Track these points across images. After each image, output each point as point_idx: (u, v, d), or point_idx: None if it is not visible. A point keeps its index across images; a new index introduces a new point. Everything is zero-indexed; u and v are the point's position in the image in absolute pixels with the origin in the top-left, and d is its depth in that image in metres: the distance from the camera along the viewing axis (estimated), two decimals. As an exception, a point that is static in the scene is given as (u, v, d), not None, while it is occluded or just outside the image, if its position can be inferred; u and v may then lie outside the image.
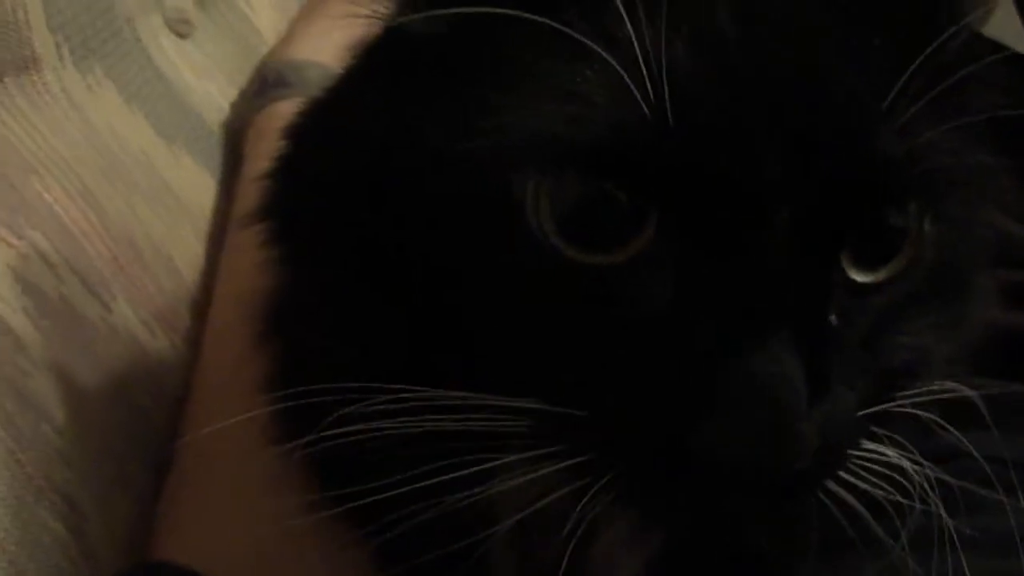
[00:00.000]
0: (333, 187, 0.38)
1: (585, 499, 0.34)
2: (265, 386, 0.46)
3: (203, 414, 0.55)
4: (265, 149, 0.69)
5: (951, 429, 0.39)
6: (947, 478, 0.38)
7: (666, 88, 0.31)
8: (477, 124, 0.34)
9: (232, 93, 0.79)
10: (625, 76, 0.32)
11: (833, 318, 0.34)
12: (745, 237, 0.33)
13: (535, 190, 0.33)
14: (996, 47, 0.38)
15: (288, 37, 0.83)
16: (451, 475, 0.35)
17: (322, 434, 0.36)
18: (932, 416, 0.38)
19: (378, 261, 0.37)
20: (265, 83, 0.76)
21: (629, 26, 0.32)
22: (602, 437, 0.34)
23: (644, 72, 0.32)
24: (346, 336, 0.39)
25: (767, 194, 0.32)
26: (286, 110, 0.71)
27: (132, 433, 0.53)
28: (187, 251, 0.63)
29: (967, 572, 0.37)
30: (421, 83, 0.37)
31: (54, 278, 0.50)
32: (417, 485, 0.35)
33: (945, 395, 0.39)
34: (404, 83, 0.37)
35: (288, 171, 0.43)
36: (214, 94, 0.76)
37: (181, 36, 0.76)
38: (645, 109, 0.32)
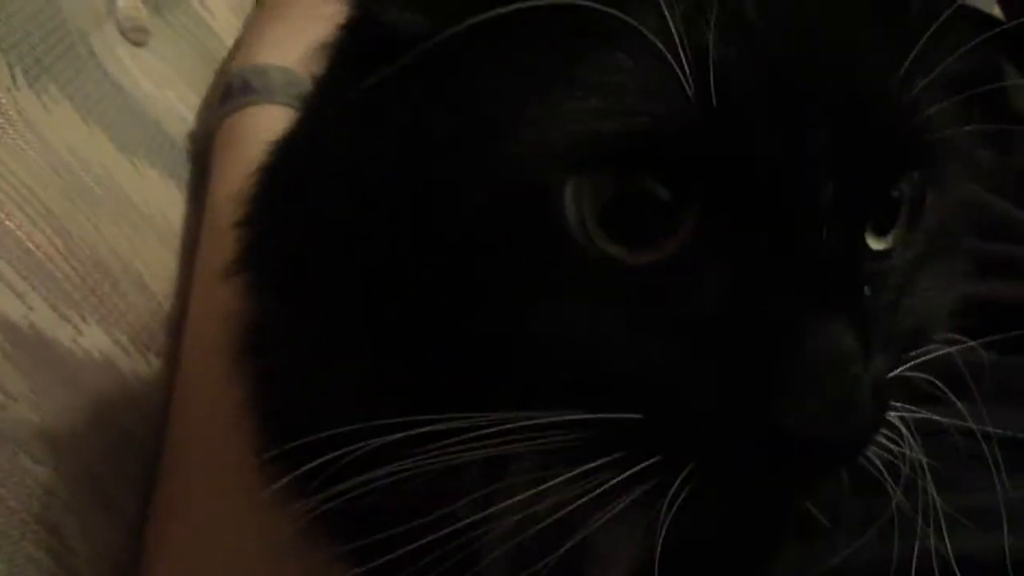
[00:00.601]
0: (329, 216, 0.37)
1: (664, 501, 0.33)
2: (244, 411, 0.46)
3: (184, 434, 0.55)
4: (233, 158, 0.69)
5: (948, 393, 0.40)
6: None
7: (711, 71, 0.31)
8: (509, 127, 0.33)
9: (192, 99, 0.78)
10: (671, 60, 0.31)
11: (867, 289, 0.35)
12: (797, 216, 0.33)
13: (575, 192, 0.33)
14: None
15: (249, 41, 0.81)
16: (455, 503, 0.35)
17: (340, 486, 0.35)
18: (930, 378, 0.39)
19: (395, 285, 0.35)
20: (230, 90, 0.74)
21: (666, 11, 0.31)
22: (669, 436, 0.34)
23: (684, 58, 0.31)
24: (346, 368, 0.38)
25: (815, 170, 0.33)
26: (253, 116, 0.72)
27: (114, 455, 0.53)
28: (156, 266, 0.62)
29: (949, 550, 0.37)
30: (437, 87, 0.35)
31: (23, 306, 0.50)
32: (419, 520, 0.35)
33: (933, 355, 0.40)
34: (412, 90, 0.35)
35: (265, 214, 0.42)
36: (174, 102, 0.75)
37: (137, 44, 0.75)
38: (690, 94, 0.31)
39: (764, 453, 0.33)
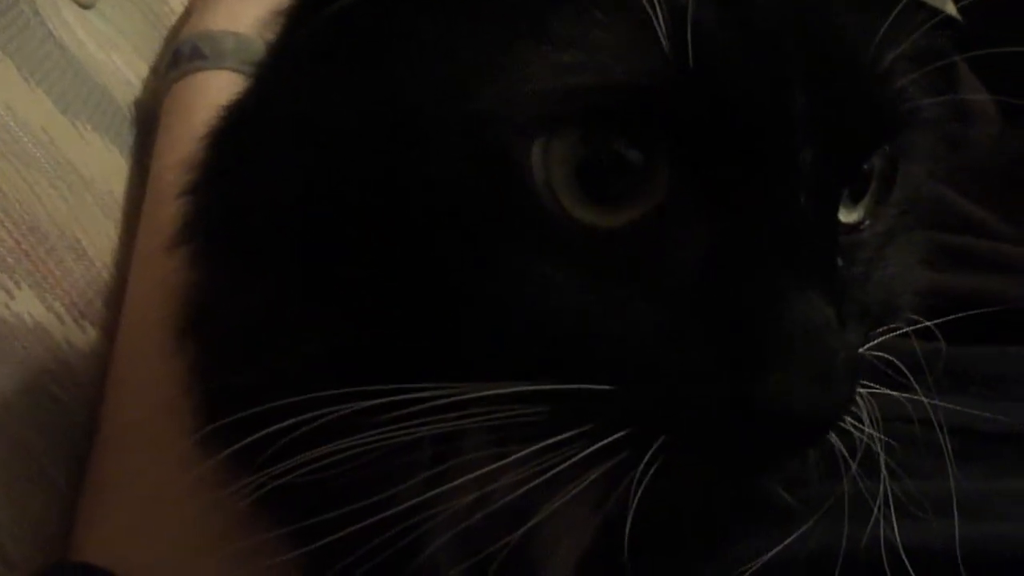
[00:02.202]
0: (283, 181, 0.35)
1: (633, 475, 0.32)
2: (184, 388, 0.44)
3: (122, 409, 0.53)
4: (180, 125, 0.67)
5: (910, 377, 0.39)
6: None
7: (688, 29, 0.30)
8: (473, 82, 0.32)
9: (139, 64, 0.76)
10: (651, 16, 0.30)
11: (839, 260, 0.35)
12: (775, 180, 0.32)
13: (542, 152, 0.32)
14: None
15: (201, 7, 0.79)
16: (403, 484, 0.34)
17: (285, 458, 0.34)
18: (890, 358, 0.39)
19: (352, 250, 0.34)
20: (179, 56, 0.72)
21: None
22: (642, 408, 0.32)
23: (661, 16, 0.30)
24: (300, 337, 0.36)
25: (794, 133, 0.32)
26: (202, 82, 0.70)
27: (44, 425, 0.50)
28: (96, 234, 0.60)
29: (898, 536, 0.37)
30: (400, 45, 0.34)
31: (-49, 267, 0.48)
32: (364, 501, 0.34)
33: (896, 334, 0.39)
34: (375, 48, 0.34)
35: (214, 181, 0.40)
36: (120, 66, 0.73)
37: (84, 6, 0.73)
38: (667, 51, 0.30)
39: (739, 425, 0.32)
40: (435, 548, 0.36)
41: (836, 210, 0.35)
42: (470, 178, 0.32)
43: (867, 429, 0.37)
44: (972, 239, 0.56)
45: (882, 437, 0.37)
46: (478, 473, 0.34)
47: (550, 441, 0.32)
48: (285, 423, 0.34)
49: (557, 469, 0.32)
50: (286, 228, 0.35)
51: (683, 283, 0.32)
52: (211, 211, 0.40)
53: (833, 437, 0.36)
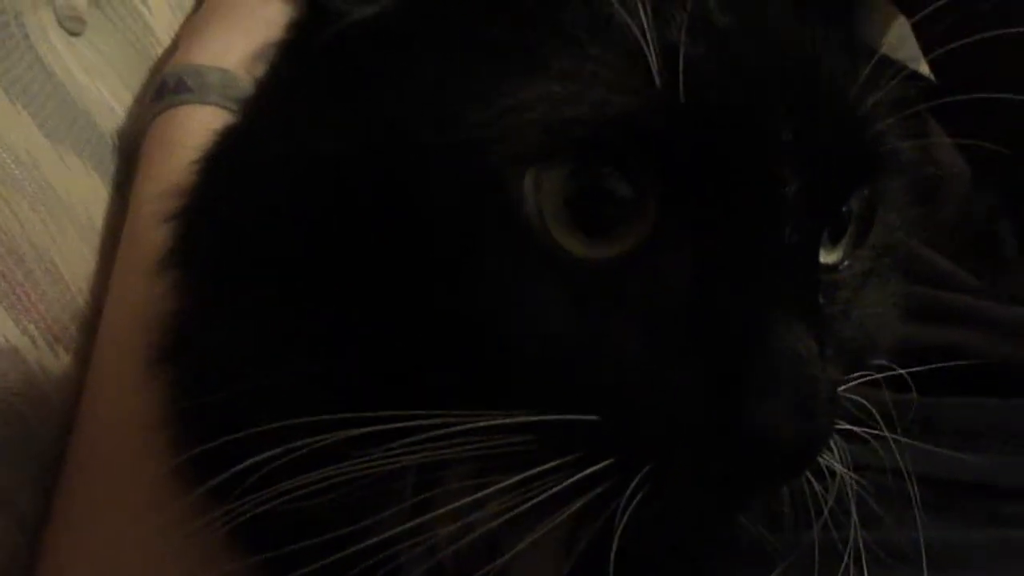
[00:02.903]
0: (273, 207, 0.36)
1: (621, 502, 0.32)
2: (159, 419, 0.44)
3: (92, 444, 0.52)
4: (162, 157, 0.67)
5: (882, 426, 0.40)
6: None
7: (680, 65, 0.31)
8: (466, 113, 0.32)
9: (124, 94, 0.76)
10: (644, 51, 0.31)
11: (820, 297, 0.35)
12: (762, 213, 0.33)
13: (534, 183, 0.32)
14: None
15: (188, 40, 0.79)
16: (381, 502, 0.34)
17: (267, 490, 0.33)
18: (866, 404, 0.39)
19: (339, 276, 0.34)
20: (164, 88, 0.72)
21: (638, 5, 0.31)
22: (626, 436, 0.33)
23: (653, 51, 0.31)
24: (285, 367, 0.36)
25: (782, 165, 0.33)
26: (186, 116, 0.70)
27: (12, 448, 0.50)
28: (74, 260, 0.60)
29: None
30: (395, 74, 0.34)
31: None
32: (346, 529, 0.34)
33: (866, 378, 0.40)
34: (369, 78, 0.35)
35: (202, 207, 0.40)
36: (106, 95, 0.73)
37: (73, 34, 0.73)
38: (659, 85, 0.31)
39: (726, 453, 0.32)
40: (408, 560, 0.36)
41: (818, 246, 0.36)
42: (461, 207, 0.32)
43: (839, 469, 0.37)
44: (943, 292, 0.57)
45: (855, 482, 0.38)
46: (459, 504, 0.34)
47: (534, 471, 0.32)
48: (266, 455, 0.33)
49: (539, 499, 0.32)
50: (276, 255, 0.35)
51: (670, 313, 0.33)
52: (201, 236, 0.40)
53: (805, 483, 0.37)
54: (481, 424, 0.32)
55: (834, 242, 0.37)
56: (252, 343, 0.37)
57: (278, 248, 0.35)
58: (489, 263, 0.33)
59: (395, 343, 0.34)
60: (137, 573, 0.44)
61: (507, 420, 0.32)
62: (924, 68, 0.73)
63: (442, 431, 0.32)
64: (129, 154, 0.71)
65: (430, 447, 0.32)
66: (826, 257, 0.37)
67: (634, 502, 0.32)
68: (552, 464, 0.32)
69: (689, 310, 0.33)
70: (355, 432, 0.32)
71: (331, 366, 0.35)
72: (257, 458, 0.33)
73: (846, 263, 0.38)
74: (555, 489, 0.32)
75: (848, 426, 0.38)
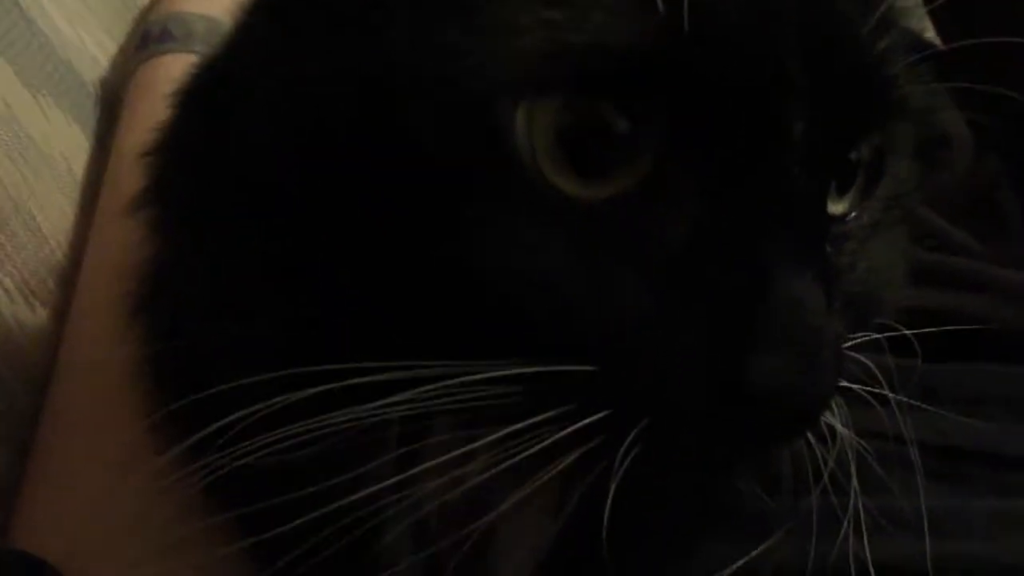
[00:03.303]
0: (254, 142, 0.34)
1: (617, 457, 0.31)
2: (136, 371, 0.42)
3: (68, 398, 0.51)
4: (145, 109, 0.66)
5: (885, 390, 0.38)
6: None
7: None
8: (458, 39, 0.30)
9: (107, 43, 0.74)
10: None
11: (828, 246, 0.34)
12: (767, 153, 0.31)
13: (526, 117, 0.30)
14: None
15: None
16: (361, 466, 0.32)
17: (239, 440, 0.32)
18: (869, 364, 0.38)
19: (324, 215, 0.33)
20: (148, 37, 0.70)
21: None
22: (624, 388, 0.31)
23: None
24: (265, 313, 0.35)
25: (789, 104, 0.31)
26: (170, 64, 0.68)
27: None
28: (52, 212, 0.58)
29: (868, 552, 0.36)
30: (376, 10, 0.32)
31: None
32: (329, 483, 0.32)
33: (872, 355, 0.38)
34: (358, 5, 0.33)
35: (180, 143, 0.39)
36: (88, 43, 0.71)
37: (53, -19, 0.71)
38: (662, 13, 0.29)
39: (727, 407, 0.30)
40: (393, 537, 0.35)
41: (826, 193, 0.34)
42: (450, 141, 0.31)
43: (840, 430, 0.36)
44: (947, 257, 0.56)
45: (857, 444, 0.36)
46: (446, 457, 0.33)
47: (526, 423, 0.31)
48: (246, 411, 0.32)
49: (531, 451, 0.31)
50: (254, 191, 0.34)
51: (670, 259, 0.31)
52: (177, 172, 0.38)
53: (805, 446, 0.35)
54: (475, 376, 0.30)
55: (842, 192, 0.36)
56: (229, 287, 0.36)
57: (258, 186, 0.34)
58: (479, 202, 0.31)
59: (381, 288, 0.32)
60: (113, 527, 0.43)
61: (501, 372, 0.30)
62: (929, 32, 0.72)
63: (433, 386, 0.31)
64: (112, 104, 0.70)
65: (418, 399, 0.31)
66: (833, 207, 0.36)
67: (629, 458, 0.31)
68: (545, 416, 0.31)
69: (689, 255, 0.31)
70: (339, 384, 0.31)
71: (311, 313, 0.33)
72: (238, 414, 0.32)
73: (853, 214, 0.37)
74: (547, 441, 0.31)
75: (851, 384, 0.36)
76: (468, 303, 0.31)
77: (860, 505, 0.36)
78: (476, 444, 0.32)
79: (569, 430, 0.31)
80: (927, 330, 0.41)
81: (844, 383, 0.35)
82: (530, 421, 0.31)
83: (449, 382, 0.30)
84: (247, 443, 0.32)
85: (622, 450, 0.31)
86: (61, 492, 0.46)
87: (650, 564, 0.40)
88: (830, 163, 0.34)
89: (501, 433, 0.31)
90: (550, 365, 0.30)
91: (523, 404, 0.31)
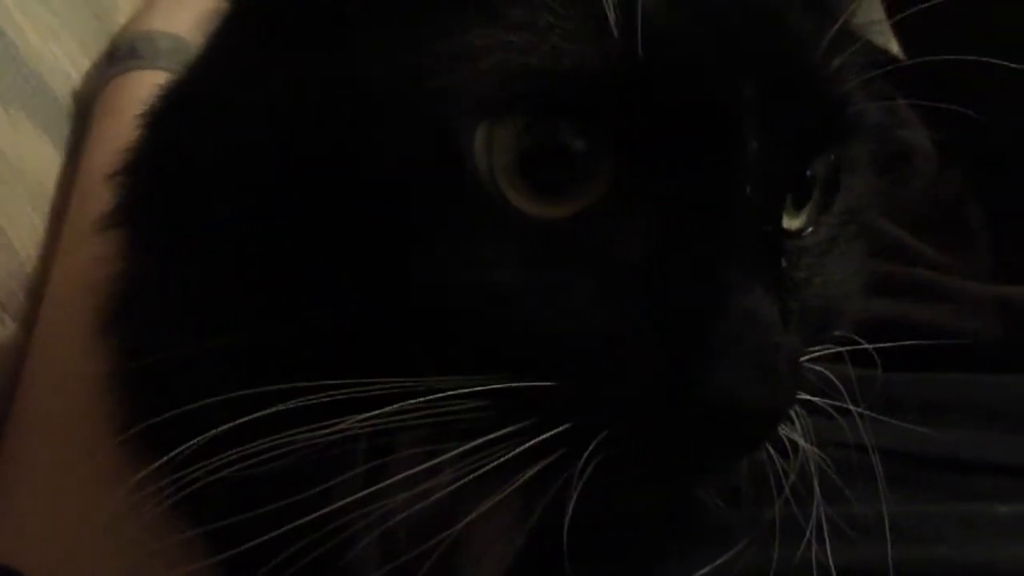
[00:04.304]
0: (217, 166, 0.34)
1: (577, 469, 0.31)
2: (104, 385, 0.42)
3: (33, 412, 0.51)
4: (112, 124, 0.66)
5: (846, 400, 0.39)
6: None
7: (639, 14, 0.30)
8: (418, 61, 0.31)
9: (80, 58, 0.74)
10: (600, 3, 0.30)
11: (783, 261, 0.35)
12: (720, 170, 0.32)
13: (485, 138, 0.31)
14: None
15: (143, 7, 0.78)
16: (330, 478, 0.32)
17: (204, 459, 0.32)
18: (830, 376, 0.39)
19: (290, 236, 0.33)
20: (115, 55, 0.72)
21: None
22: (585, 402, 0.31)
23: (611, 2, 0.30)
24: (228, 329, 0.34)
25: (742, 124, 0.32)
26: (136, 82, 0.68)
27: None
28: (22, 225, 0.58)
29: (830, 561, 0.37)
30: (350, 21, 0.33)
31: None
32: (296, 498, 0.32)
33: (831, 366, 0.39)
34: (324, 26, 0.33)
35: (148, 163, 0.39)
36: (60, 57, 0.71)
37: (25, -5, 0.71)
38: (616, 38, 0.30)
39: (686, 419, 0.31)
40: (362, 549, 0.35)
41: (781, 210, 0.35)
42: (411, 162, 0.31)
43: (801, 443, 0.36)
44: (907, 267, 0.56)
45: (818, 454, 0.37)
46: (413, 471, 0.33)
47: (488, 437, 0.31)
48: (215, 432, 0.32)
49: (493, 465, 0.31)
50: (222, 211, 0.34)
51: (628, 276, 0.32)
52: (145, 192, 0.39)
53: (767, 458, 0.36)
54: (438, 394, 0.31)
55: (798, 207, 0.37)
56: (198, 305, 0.36)
57: (224, 205, 0.34)
58: (440, 221, 0.32)
59: (346, 305, 0.33)
60: (80, 540, 0.43)
61: (464, 389, 0.31)
62: (894, 47, 0.73)
63: (398, 405, 0.31)
64: (84, 119, 0.70)
65: (381, 414, 0.31)
66: (789, 222, 0.36)
67: (589, 469, 0.31)
68: (507, 430, 0.31)
69: (645, 272, 0.32)
70: (305, 401, 0.31)
71: (278, 330, 0.33)
72: (208, 435, 0.32)
73: (810, 229, 0.37)
74: (510, 455, 0.31)
75: (810, 397, 0.37)
76: (431, 321, 0.32)
77: (823, 514, 0.37)
78: (441, 459, 0.32)
79: (529, 444, 0.31)
80: (889, 344, 0.41)
81: (805, 395, 0.36)
82: (491, 436, 0.31)
83: (412, 401, 0.31)
84: (215, 458, 0.32)
85: (581, 462, 0.31)
86: (27, 507, 0.46)
87: (617, 573, 0.40)
88: (785, 180, 0.34)
89: (465, 448, 0.32)
90: (512, 381, 0.31)
91: (487, 419, 0.31)
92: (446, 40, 0.31)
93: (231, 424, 0.32)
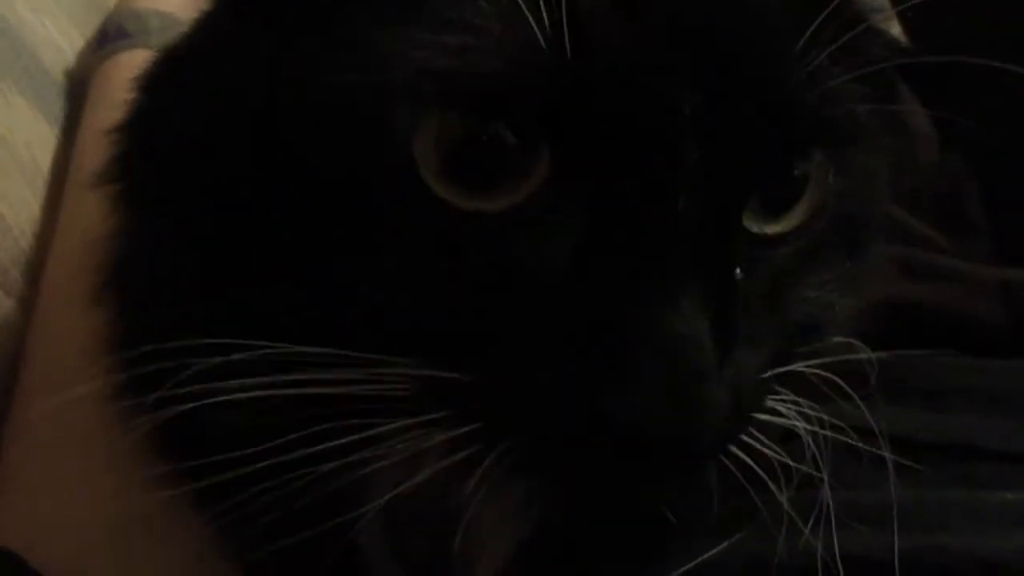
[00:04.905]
0: (196, 136, 0.35)
1: (480, 471, 0.31)
2: (104, 349, 0.42)
3: (35, 384, 0.50)
4: (105, 103, 0.65)
5: (849, 391, 0.38)
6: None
7: (564, 16, 0.29)
8: (354, 56, 0.31)
9: (74, 34, 0.73)
10: (522, 4, 0.29)
11: (738, 271, 0.33)
12: (652, 181, 0.30)
13: (415, 128, 0.31)
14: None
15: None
16: (316, 447, 0.32)
17: (169, 393, 0.33)
18: (831, 377, 0.38)
19: (243, 208, 0.34)
20: (106, 35, 0.71)
21: None
22: (493, 403, 0.31)
23: (541, 4, 0.29)
24: (199, 291, 0.36)
25: (677, 132, 0.30)
26: (127, 61, 0.68)
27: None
28: (16, 201, 0.57)
29: (837, 548, 0.37)
30: (295, 17, 0.33)
31: None
32: (278, 459, 0.32)
33: (839, 357, 0.38)
34: (276, 18, 0.34)
35: (141, 123, 0.39)
36: (52, 32, 0.70)
37: (17, -33, 0.70)
38: (541, 40, 0.29)
39: (585, 438, 0.30)
40: (365, 531, 0.35)
41: (734, 219, 0.33)
42: (348, 152, 0.31)
43: (803, 431, 0.36)
44: (913, 250, 0.56)
45: (821, 440, 0.37)
46: (344, 441, 0.32)
47: (410, 421, 0.32)
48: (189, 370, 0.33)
49: (409, 450, 0.32)
50: (199, 177, 0.35)
51: (550, 281, 0.31)
52: (138, 149, 0.39)
53: (765, 448, 0.36)
54: (355, 363, 0.31)
55: (775, 212, 0.34)
56: (178, 268, 0.37)
57: (201, 171, 0.35)
58: (374, 212, 0.32)
59: (294, 279, 0.33)
60: (83, 520, 0.42)
61: (386, 369, 0.31)
62: (896, 30, 0.72)
63: (329, 362, 0.31)
64: (78, 97, 0.69)
65: (315, 382, 0.31)
66: (763, 226, 0.34)
67: (496, 471, 0.31)
68: (424, 418, 0.32)
69: (567, 279, 0.31)
70: (260, 352, 0.32)
71: (239, 297, 0.34)
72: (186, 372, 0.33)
73: (790, 234, 0.35)
74: (425, 444, 0.32)
75: (769, 417, 0.35)
76: (365, 302, 0.32)
77: (828, 501, 0.37)
78: (368, 433, 0.32)
79: (441, 438, 0.31)
80: (895, 327, 0.41)
81: (825, 373, 0.35)
82: (414, 420, 0.32)
83: (338, 375, 0.31)
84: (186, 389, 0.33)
85: (485, 464, 0.31)
86: (30, 486, 0.46)
87: (618, 563, 0.40)
88: (742, 188, 0.33)
89: (390, 427, 0.32)
90: (432, 370, 0.31)
91: (412, 402, 0.31)
92: (380, 35, 0.31)
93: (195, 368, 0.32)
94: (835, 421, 0.39)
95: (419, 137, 0.31)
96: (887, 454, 0.39)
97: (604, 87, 0.30)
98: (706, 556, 0.38)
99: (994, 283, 0.53)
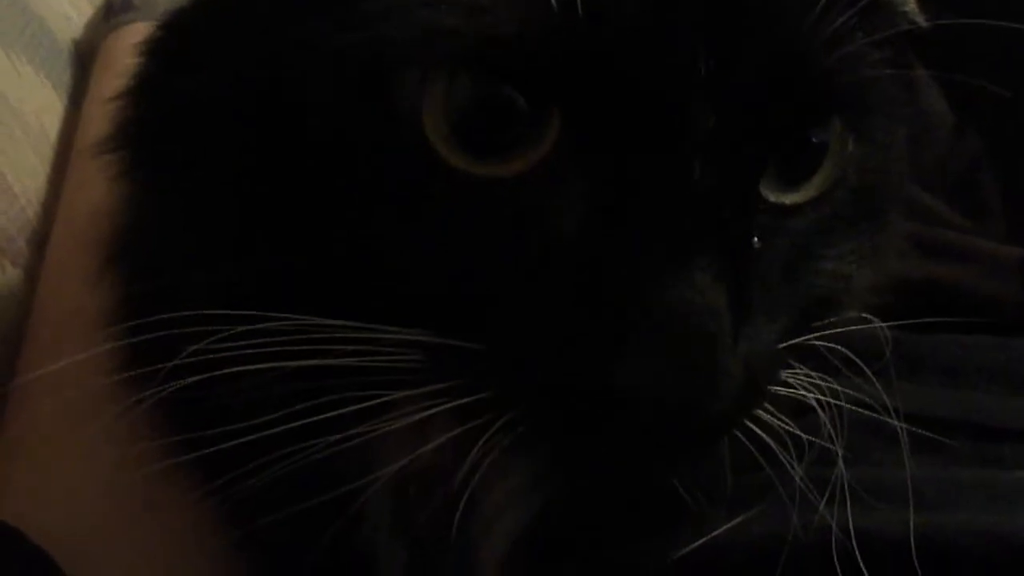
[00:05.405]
0: (201, 101, 0.34)
1: (482, 440, 0.31)
2: (108, 320, 0.42)
3: (39, 355, 0.50)
4: (110, 74, 0.65)
5: (862, 365, 0.37)
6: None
7: None
8: (360, 15, 0.30)
9: (82, 3, 0.73)
10: None
11: (756, 240, 0.32)
12: (665, 146, 0.30)
13: (423, 91, 0.30)
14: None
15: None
16: (321, 416, 0.32)
17: (176, 363, 0.32)
18: (844, 351, 0.37)
19: (251, 177, 0.33)
20: (112, 8, 0.71)
21: None
22: (503, 372, 0.30)
23: None
24: (207, 261, 0.35)
25: (691, 96, 0.29)
26: (133, 34, 0.67)
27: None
28: (23, 170, 0.57)
29: (851, 523, 0.36)
30: None
31: None
32: (280, 428, 0.32)
33: (854, 328, 0.37)
34: None
35: (146, 88, 0.39)
36: (62, 2, 0.70)
37: (25, -64, 0.69)
38: (555, 2, 0.28)
39: (588, 408, 0.30)
40: (372, 505, 0.35)
41: (751, 184, 0.32)
42: (353, 112, 0.31)
43: (815, 397, 0.35)
44: (928, 227, 0.56)
45: (837, 415, 0.36)
46: (344, 411, 0.32)
47: (418, 391, 0.31)
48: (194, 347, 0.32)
49: (416, 418, 0.31)
50: (205, 144, 0.34)
51: (561, 247, 0.30)
52: (143, 116, 0.38)
53: (780, 422, 0.35)
54: (364, 335, 0.30)
55: (789, 178, 0.34)
56: (191, 230, 0.36)
57: (204, 136, 0.34)
58: (383, 177, 0.31)
59: (303, 248, 0.32)
60: (84, 496, 0.42)
61: (391, 335, 0.30)
62: (912, 7, 0.72)
63: (336, 334, 0.31)
64: (86, 67, 0.69)
65: (324, 353, 0.31)
66: (781, 196, 0.33)
67: (503, 441, 0.31)
68: (435, 387, 0.31)
69: (579, 246, 0.30)
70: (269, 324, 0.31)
71: (250, 264, 0.33)
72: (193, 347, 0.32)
73: (808, 204, 0.34)
74: (433, 412, 0.31)
75: (787, 391, 0.35)
76: (372, 271, 0.31)
77: (844, 475, 0.36)
78: (373, 402, 0.32)
79: (449, 406, 0.31)
80: (913, 305, 0.40)
81: (839, 348, 0.35)
82: (422, 390, 0.31)
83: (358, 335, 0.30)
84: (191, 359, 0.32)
85: (491, 431, 0.31)
86: (32, 462, 0.45)
87: (628, 541, 0.40)
88: (758, 155, 0.32)
89: (396, 396, 0.31)
90: (442, 338, 0.30)
91: (423, 373, 0.31)
92: None
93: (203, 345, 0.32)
94: (853, 393, 0.38)
95: (428, 102, 0.30)
96: (902, 429, 0.38)
97: (616, 49, 0.29)
98: (717, 532, 0.38)
99: (1013, 262, 0.53)
